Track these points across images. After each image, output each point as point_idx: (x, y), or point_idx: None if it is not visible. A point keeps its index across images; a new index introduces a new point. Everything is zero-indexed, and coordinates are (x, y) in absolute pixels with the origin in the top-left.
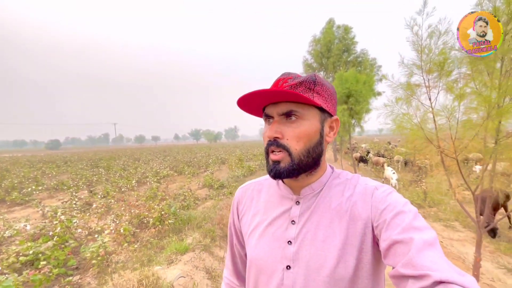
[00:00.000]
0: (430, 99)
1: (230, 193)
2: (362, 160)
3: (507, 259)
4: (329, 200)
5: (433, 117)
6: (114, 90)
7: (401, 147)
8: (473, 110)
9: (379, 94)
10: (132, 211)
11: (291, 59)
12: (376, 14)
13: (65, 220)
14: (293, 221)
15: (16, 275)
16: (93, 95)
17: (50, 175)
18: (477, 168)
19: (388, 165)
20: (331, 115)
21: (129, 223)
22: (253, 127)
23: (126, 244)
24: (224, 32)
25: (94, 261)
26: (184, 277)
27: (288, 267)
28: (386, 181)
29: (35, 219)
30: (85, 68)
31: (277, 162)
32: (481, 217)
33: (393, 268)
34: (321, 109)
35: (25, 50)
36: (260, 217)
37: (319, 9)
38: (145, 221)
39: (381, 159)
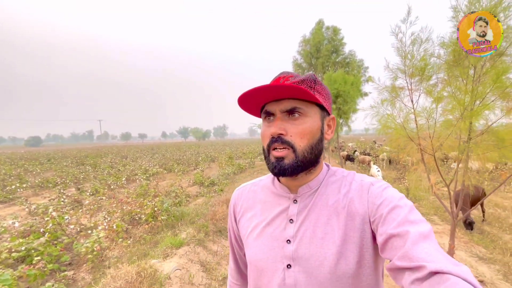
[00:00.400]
0: (412, 101)
1: (221, 190)
2: (349, 158)
3: (479, 248)
4: (326, 198)
5: (415, 117)
6: (100, 86)
7: (385, 146)
8: (449, 112)
9: (365, 94)
10: (124, 207)
11: (288, 59)
12: (376, 14)
13: (56, 217)
14: (291, 219)
15: (11, 270)
16: (77, 91)
17: (34, 172)
18: (454, 165)
19: (374, 163)
20: (328, 114)
21: (121, 219)
22: (242, 126)
23: (120, 240)
24: (220, 31)
25: (89, 256)
26: (180, 270)
27: (289, 266)
28: None
29: (22, 217)
30: (71, 64)
31: (281, 159)
32: (456, 209)
33: (390, 261)
34: (321, 107)
35: (4, 43)
36: (258, 218)
37: (319, 9)
38: (137, 218)
39: (367, 158)
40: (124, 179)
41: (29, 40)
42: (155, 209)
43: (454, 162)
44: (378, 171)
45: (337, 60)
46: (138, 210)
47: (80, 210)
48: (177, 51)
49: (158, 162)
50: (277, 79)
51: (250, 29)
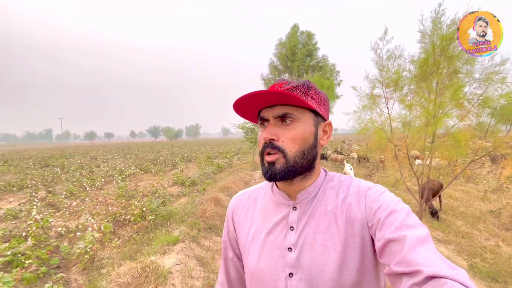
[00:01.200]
0: (388, 107)
1: (204, 189)
2: (322, 157)
3: (438, 233)
4: (325, 204)
5: (390, 122)
6: (60, 83)
7: (355, 146)
8: (418, 118)
9: (337, 97)
10: (110, 209)
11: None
12: (376, 14)
13: (40, 220)
14: (291, 227)
15: (6, 274)
16: (35, 88)
17: None
18: (417, 162)
19: (347, 162)
20: (324, 120)
21: (106, 221)
22: (215, 125)
23: (114, 240)
24: (206, 28)
25: (86, 256)
26: (180, 265)
27: (291, 275)
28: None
29: None
30: (33, 60)
31: (272, 164)
32: (422, 200)
33: (388, 266)
34: (315, 113)
35: None
36: (258, 227)
37: (318, 9)
38: (121, 219)
39: (339, 156)
40: (103, 180)
41: None
42: (143, 209)
43: (415, 159)
44: (351, 169)
45: (311, 63)
46: (123, 211)
47: (67, 212)
48: (146, 48)
49: (133, 163)
50: (272, 86)
51: (246, 28)
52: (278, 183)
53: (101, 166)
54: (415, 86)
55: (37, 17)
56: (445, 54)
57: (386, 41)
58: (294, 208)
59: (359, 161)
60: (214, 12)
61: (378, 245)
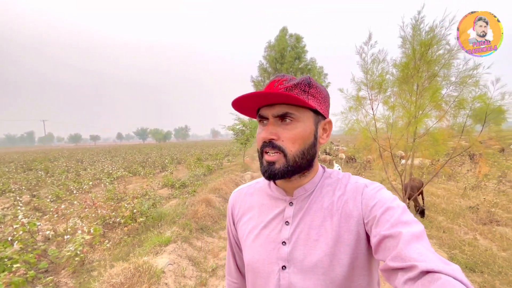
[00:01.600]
0: (372, 109)
1: (194, 191)
2: None
3: None
4: (321, 200)
5: (375, 122)
6: (41, 84)
7: (343, 146)
8: (400, 118)
9: None
10: (99, 211)
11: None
12: (377, 14)
13: (27, 224)
14: (287, 222)
15: None
16: (15, 88)
17: None
18: (403, 161)
19: (335, 162)
20: (324, 118)
21: (96, 224)
22: (204, 127)
23: (105, 243)
24: (201, 28)
25: (77, 259)
26: (172, 264)
27: (284, 267)
28: None
29: None
30: (17, 61)
31: (272, 163)
32: (404, 197)
33: (384, 262)
34: (315, 111)
35: None
36: (255, 221)
37: (318, 9)
38: (110, 222)
39: (328, 157)
40: (90, 183)
41: None
42: (134, 211)
43: (400, 159)
44: (339, 169)
45: (299, 66)
46: (113, 213)
47: (55, 215)
48: (136, 47)
49: (121, 165)
50: (272, 82)
51: (237, 28)
52: None
53: (88, 169)
54: (397, 89)
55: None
56: (424, 59)
57: (371, 45)
58: (291, 203)
59: (347, 161)
60: (202, 11)
61: (373, 241)
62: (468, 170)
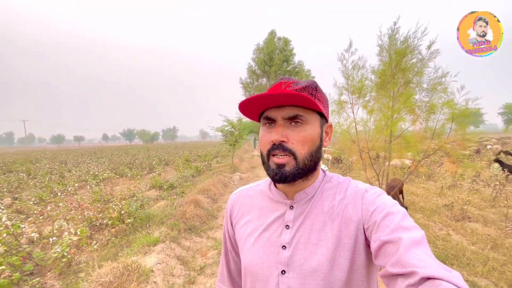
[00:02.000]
0: (353, 112)
1: (183, 192)
2: None
3: None
4: (322, 204)
5: (355, 125)
6: (25, 84)
7: (329, 148)
8: (378, 121)
9: None
10: (86, 213)
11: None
12: (376, 14)
13: (10, 226)
14: (287, 225)
15: None
16: None
17: None
18: (387, 163)
19: (323, 163)
20: (326, 121)
21: (82, 225)
22: (192, 128)
23: (92, 244)
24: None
25: (64, 260)
26: (161, 264)
27: (283, 272)
28: None
29: None
30: None
31: (282, 166)
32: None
33: (384, 268)
34: (321, 114)
35: None
36: (254, 224)
37: (318, 9)
38: (97, 224)
39: None
40: (76, 185)
41: None
42: (122, 212)
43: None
44: (326, 169)
45: (287, 69)
46: (100, 215)
47: (41, 217)
48: (122, 47)
49: (107, 167)
50: (278, 84)
51: (232, 29)
52: None
53: (73, 171)
54: (376, 94)
55: None
56: (399, 67)
57: (351, 52)
58: (291, 207)
59: (333, 162)
60: (192, 12)
61: (373, 246)
62: (446, 171)
